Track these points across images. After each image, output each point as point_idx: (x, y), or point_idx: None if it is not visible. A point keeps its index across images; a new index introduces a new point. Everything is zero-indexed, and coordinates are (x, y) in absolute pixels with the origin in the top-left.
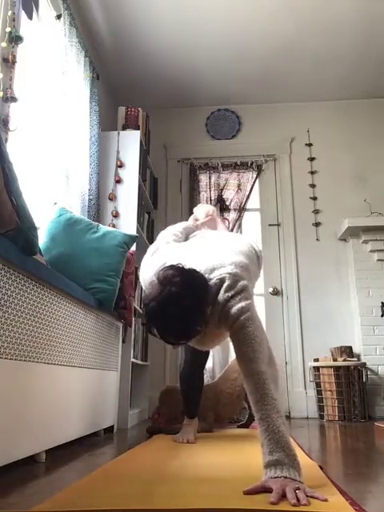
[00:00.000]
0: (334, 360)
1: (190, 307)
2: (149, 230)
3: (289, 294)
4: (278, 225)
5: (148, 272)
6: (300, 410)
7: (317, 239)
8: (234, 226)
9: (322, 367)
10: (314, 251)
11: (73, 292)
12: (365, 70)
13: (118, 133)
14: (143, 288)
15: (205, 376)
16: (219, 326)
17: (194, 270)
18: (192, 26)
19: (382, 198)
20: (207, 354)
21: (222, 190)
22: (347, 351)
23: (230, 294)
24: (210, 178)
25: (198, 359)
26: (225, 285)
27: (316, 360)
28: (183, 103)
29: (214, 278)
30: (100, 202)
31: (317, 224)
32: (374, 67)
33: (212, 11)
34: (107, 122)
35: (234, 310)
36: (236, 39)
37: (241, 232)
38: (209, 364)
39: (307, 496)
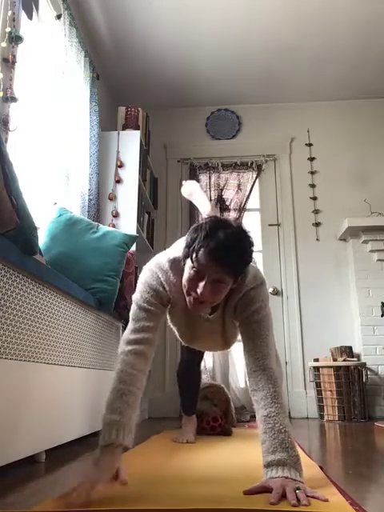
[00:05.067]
0: (334, 360)
1: (251, 244)
2: (149, 230)
3: (289, 294)
4: (278, 225)
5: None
6: (300, 410)
7: (317, 239)
8: None
9: (322, 367)
10: (314, 251)
11: (73, 292)
12: (365, 69)
13: (118, 133)
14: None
15: (205, 376)
16: (232, 315)
17: None
18: (192, 26)
19: (382, 197)
20: (202, 353)
21: (221, 189)
22: (347, 351)
23: (254, 284)
24: (209, 177)
25: (193, 358)
26: (249, 274)
27: (316, 360)
28: (183, 103)
29: None
30: (100, 202)
31: (317, 224)
32: (374, 67)
33: (212, 11)
34: (107, 122)
35: (257, 300)
36: (236, 39)
37: None
38: (209, 364)
39: (308, 496)
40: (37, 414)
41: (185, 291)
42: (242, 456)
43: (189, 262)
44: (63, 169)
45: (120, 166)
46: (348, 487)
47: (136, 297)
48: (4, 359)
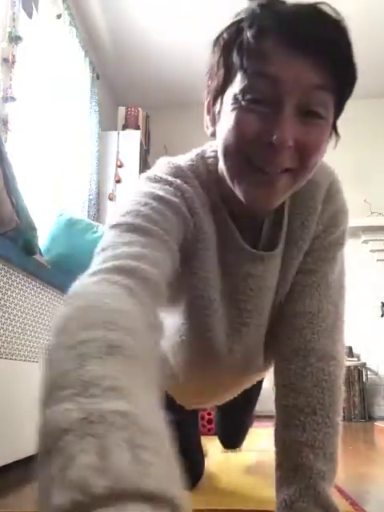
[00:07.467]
0: None
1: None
2: None
3: None
4: None
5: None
6: None
7: None
8: None
9: None
10: None
11: None
12: (365, 70)
13: (118, 133)
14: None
15: None
16: (309, 236)
17: None
18: (192, 26)
19: (382, 197)
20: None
21: None
22: (347, 351)
23: (340, 194)
24: None
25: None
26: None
27: None
28: (183, 103)
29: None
30: (100, 202)
31: None
32: (374, 68)
33: (212, 11)
34: (107, 122)
35: (343, 234)
36: None
37: None
38: None
39: None
40: (37, 414)
41: (230, 166)
42: (242, 456)
43: (237, 80)
44: (63, 169)
45: (120, 166)
46: (348, 487)
47: (121, 212)
48: (4, 359)
